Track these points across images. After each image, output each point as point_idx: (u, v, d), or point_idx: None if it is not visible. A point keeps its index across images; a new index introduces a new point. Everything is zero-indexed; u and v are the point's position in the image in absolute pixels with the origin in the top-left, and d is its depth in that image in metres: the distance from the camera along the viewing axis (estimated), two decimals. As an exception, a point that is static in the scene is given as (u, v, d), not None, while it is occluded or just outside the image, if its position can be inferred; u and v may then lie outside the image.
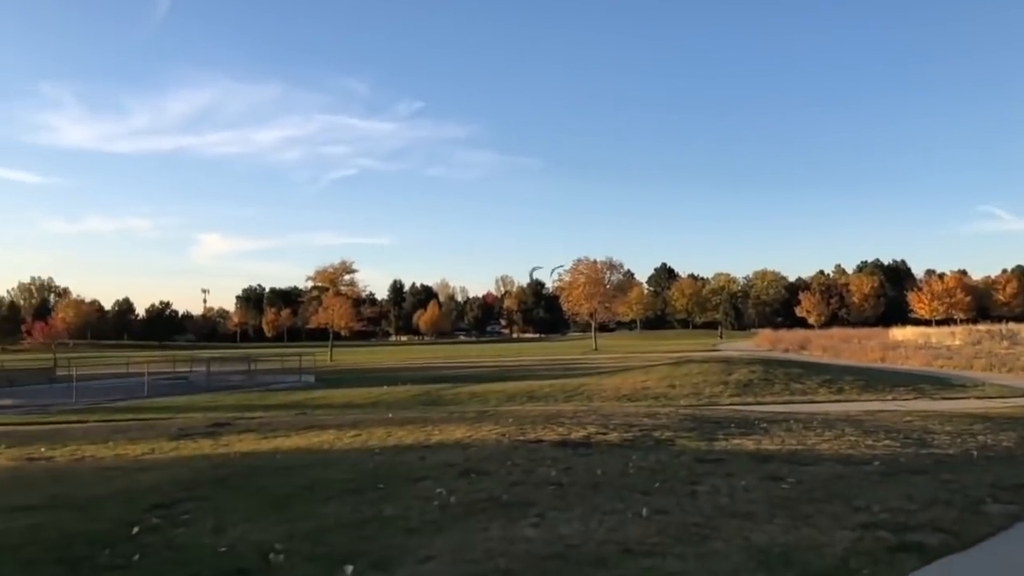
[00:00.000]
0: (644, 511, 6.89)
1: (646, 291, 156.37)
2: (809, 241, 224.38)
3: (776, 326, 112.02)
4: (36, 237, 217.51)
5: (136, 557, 5.85)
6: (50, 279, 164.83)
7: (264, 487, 8.77)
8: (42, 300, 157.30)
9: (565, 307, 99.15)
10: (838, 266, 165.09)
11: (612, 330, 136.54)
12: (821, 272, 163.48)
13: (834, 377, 28.77)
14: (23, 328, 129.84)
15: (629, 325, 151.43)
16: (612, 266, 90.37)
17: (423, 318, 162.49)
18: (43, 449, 13.17)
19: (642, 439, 11.71)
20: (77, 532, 6.76)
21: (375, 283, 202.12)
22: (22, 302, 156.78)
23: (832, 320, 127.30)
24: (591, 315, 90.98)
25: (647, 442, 11.42)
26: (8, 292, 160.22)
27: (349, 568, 5.35)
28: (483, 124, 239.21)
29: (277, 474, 9.65)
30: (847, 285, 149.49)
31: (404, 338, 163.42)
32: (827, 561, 5.47)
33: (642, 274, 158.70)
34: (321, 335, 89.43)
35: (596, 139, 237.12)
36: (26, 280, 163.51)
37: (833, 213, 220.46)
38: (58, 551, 6.08)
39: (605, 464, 9.43)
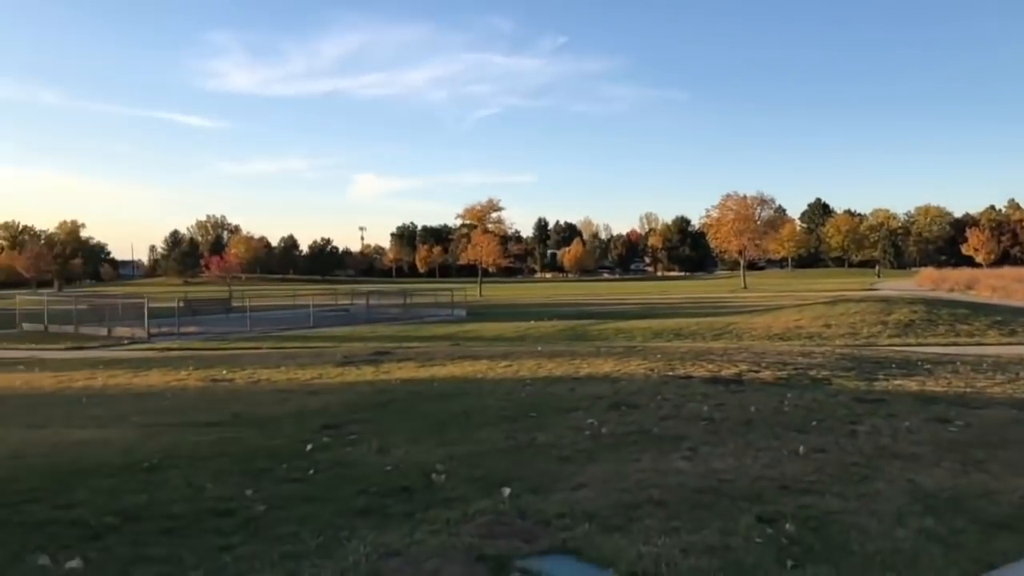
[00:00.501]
0: (801, 449, 6.70)
1: (799, 228, 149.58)
2: (978, 174, 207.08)
3: (939, 265, 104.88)
4: (210, 178, 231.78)
5: (311, 472, 6.24)
6: (223, 217, 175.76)
7: (423, 412, 9.13)
8: (217, 237, 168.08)
9: (712, 244, 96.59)
10: (1012, 201, 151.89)
11: (762, 268, 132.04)
12: (992, 207, 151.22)
13: (1006, 319, 26.79)
14: (201, 262, 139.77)
15: (780, 263, 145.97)
16: (763, 201, 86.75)
17: (567, 255, 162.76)
18: (224, 372, 14.21)
19: (797, 377, 11.36)
20: (258, 447, 7.28)
21: (520, 221, 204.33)
22: (200, 238, 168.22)
23: (1003, 259, 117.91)
24: (740, 253, 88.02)
25: (802, 381, 11.06)
26: (188, 229, 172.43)
27: (506, 491, 5.49)
28: (628, 57, 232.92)
29: (435, 400, 10.01)
30: (1021, 221, 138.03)
31: (548, 275, 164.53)
32: (1002, 509, 5.13)
33: (795, 210, 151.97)
34: (470, 271, 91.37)
35: (746, 71, 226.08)
36: (203, 218, 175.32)
37: (1006, 142, 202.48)
38: (242, 463, 6.56)
39: (758, 401, 9.21)
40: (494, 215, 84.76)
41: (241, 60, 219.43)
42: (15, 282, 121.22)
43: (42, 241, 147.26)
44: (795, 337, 24.62)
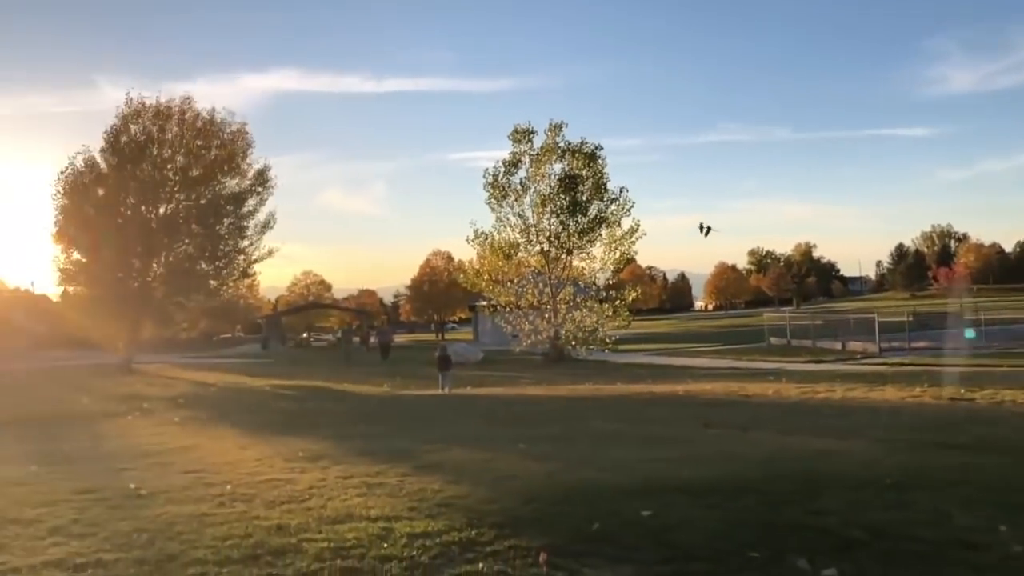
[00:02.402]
0: None
1: None
2: None
3: None
4: (931, 187, 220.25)
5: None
6: (949, 226, 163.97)
7: None
8: (943, 247, 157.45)
9: None
10: None
11: None
12: None
13: None
14: (928, 274, 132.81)
15: None
16: None
17: None
18: (962, 391, 13.12)
19: None
20: (1009, 477, 6.47)
21: None
22: (925, 250, 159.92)
23: None
24: None
25: None
26: (912, 241, 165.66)
27: None
28: None
29: None
30: None
31: None
32: None
33: None
34: None
35: None
36: (927, 229, 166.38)
37: None
38: (992, 494, 5.84)
39: None
40: None
41: (959, 60, 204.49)
42: (760, 301, 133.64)
43: (781, 263, 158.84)
44: None
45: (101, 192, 30.68)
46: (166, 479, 7.72)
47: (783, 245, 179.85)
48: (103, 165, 30.86)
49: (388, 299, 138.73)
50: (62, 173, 30.58)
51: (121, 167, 30.53)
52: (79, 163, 30.61)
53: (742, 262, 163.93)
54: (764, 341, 39.29)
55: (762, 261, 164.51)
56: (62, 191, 30.55)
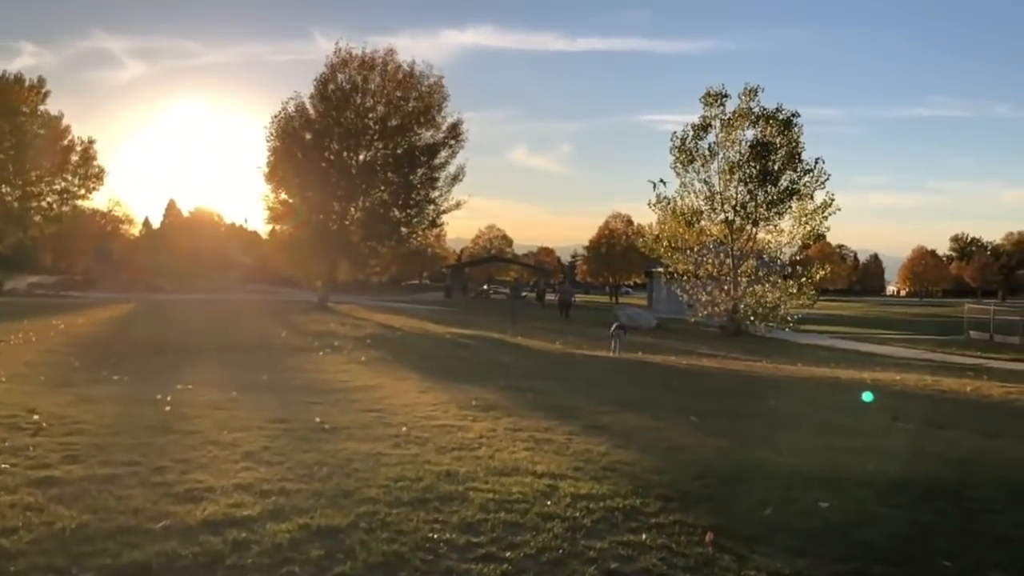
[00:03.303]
0: None
1: None
2: None
3: None
4: None
5: None
6: None
7: None
8: None
9: None
10: None
11: None
12: None
13: None
14: None
15: None
16: None
17: None
18: None
19: None
20: None
21: None
22: None
23: None
24: None
25: None
26: None
27: None
28: None
29: None
30: None
31: None
32: None
33: None
34: None
35: None
36: None
37: None
38: None
39: None
40: None
41: None
42: (960, 291, 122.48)
43: (988, 252, 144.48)
44: None
45: (308, 136, 32.68)
46: (348, 416, 8.09)
47: (992, 232, 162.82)
48: (311, 111, 32.82)
49: (566, 258, 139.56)
50: (275, 117, 32.89)
51: (327, 113, 32.39)
52: (291, 108, 32.79)
53: (943, 248, 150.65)
54: (963, 334, 36.01)
55: (966, 248, 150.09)
56: (275, 133, 32.82)
